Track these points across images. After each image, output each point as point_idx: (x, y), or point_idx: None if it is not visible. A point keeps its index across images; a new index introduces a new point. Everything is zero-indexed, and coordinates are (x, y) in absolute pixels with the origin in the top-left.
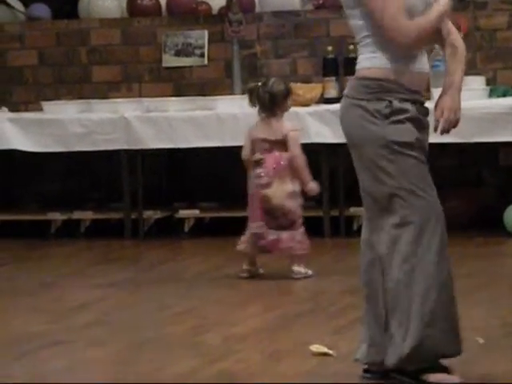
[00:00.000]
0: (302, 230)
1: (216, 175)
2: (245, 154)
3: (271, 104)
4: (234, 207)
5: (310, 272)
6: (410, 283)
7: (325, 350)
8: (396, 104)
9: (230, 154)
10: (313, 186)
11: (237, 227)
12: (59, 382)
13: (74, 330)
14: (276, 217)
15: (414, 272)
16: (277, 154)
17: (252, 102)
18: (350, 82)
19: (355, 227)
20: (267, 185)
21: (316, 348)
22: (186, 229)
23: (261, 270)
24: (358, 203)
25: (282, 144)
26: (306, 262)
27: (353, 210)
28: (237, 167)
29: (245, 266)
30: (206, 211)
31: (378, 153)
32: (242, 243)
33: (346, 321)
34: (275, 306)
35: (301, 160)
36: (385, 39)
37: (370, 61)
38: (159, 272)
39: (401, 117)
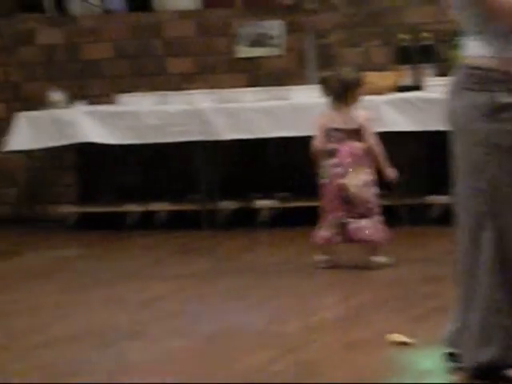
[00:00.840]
0: (379, 218)
1: (291, 165)
2: (317, 143)
3: (343, 93)
4: (309, 197)
5: (389, 260)
6: None
7: (404, 338)
8: (503, 98)
9: (305, 144)
10: (391, 172)
11: (313, 217)
12: (138, 373)
13: (153, 321)
14: (355, 205)
15: None
16: (352, 143)
17: (325, 91)
18: (458, 69)
19: (434, 215)
20: (344, 174)
21: (395, 337)
22: (262, 219)
23: (339, 259)
24: (436, 191)
25: (355, 133)
26: (383, 252)
27: (431, 198)
28: (311, 157)
29: (323, 256)
30: (281, 201)
31: (478, 150)
32: (321, 235)
33: (424, 310)
34: (353, 295)
35: (378, 148)
36: (493, 21)
37: (479, 49)
38: (236, 262)
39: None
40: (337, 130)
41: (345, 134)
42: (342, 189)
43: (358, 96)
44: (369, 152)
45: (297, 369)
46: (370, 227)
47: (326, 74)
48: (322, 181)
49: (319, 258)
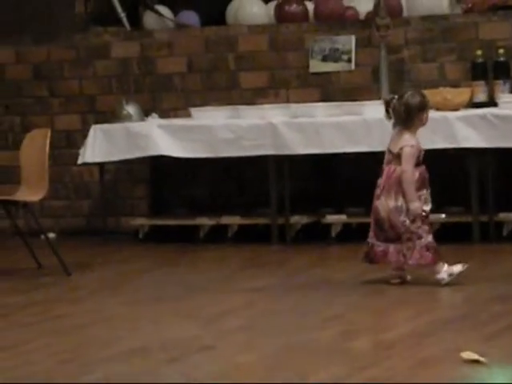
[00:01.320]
0: (409, 244)
1: (363, 180)
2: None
3: (406, 116)
4: None
5: (456, 269)
6: None
7: (476, 356)
8: None
9: (378, 159)
10: (415, 206)
11: None
12: None
13: (223, 336)
14: (384, 229)
15: None
16: (392, 166)
17: (388, 114)
18: None
19: (505, 233)
20: (378, 196)
21: (467, 355)
22: (333, 234)
23: (409, 277)
24: (508, 208)
25: (398, 157)
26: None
27: (502, 215)
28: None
29: (394, 272)
30: (353, 216)
31: None
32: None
33: (496, 328)
34: (423, 312)
35: (408, 176)
36: None
37: None
38: (306, 277)
39: None
40: (389, 151)
41: (391, 157)
42: (375, 211)
43: (422, 120)
44: (400, 178)
45: None
46: (394, 252)
47: (390, 96)
48: None
49: (392, 273)
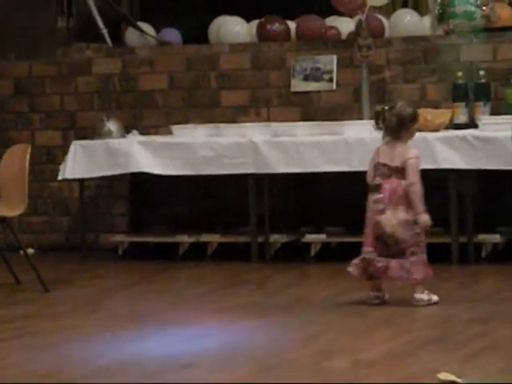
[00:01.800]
0: (413, 258)
1: (343, 200)
2: (367, 178)
3: (398, 128)
4: (360, 232)
5: (434, 298)
6: None
7: (453, 377)
8: None
9: (358, 179)
10: (425, 218)
11: None
12: None
13: (200, 354)
14: (388, 244)
15: None
16: (395, 180)
17: (377, 126)
18: None
19: (484, 254)
20: (382, 211)
21: (444, 376)
22: (313, 253)
23: (386, 296)
24: (487, 230)
25: (401, 171)
26: (427, 288)
27: (481, 236)
28: (364, 192)
29: (372, 293)
30: (332, 236)
31: None
32: (353, 265)
33: (474, 349)
34: (402, 332)
35: (417, 188)
36: None
37: None
38: (285, 296)
39: None
40: (384, 165)
41: (390, 171)
42: (377, 226)
43: (413, 132)
44: (408, 190)
45: None
46: (397, 268)
47: (380, 107)
48: (367, 215)
49: (371, 294)
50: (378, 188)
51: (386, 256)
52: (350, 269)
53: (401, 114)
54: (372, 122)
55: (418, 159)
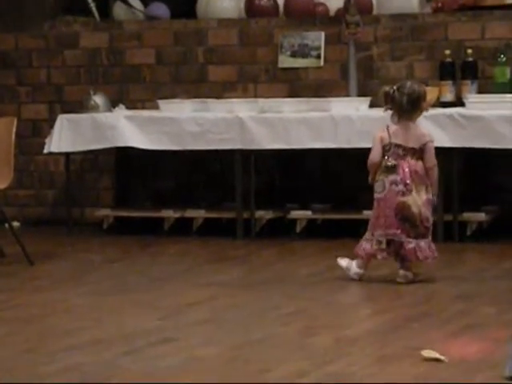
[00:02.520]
0: (430, 237)
1: (329, 177)
2: (375, 158)
3: (409, 107)
4: (346, 209)
5: (414, 276)
6: None
7: (436, 355)
8: None
9: (344, 156)
10: (436, 201)
11: (349, 229)
12: (167, 379)
13: (184, 328)
14: (416, 225)
15: None
16: (412, 161)
17: (387, 106)
18: None
19: (468, 232)
20: (405, 192)
21: (427, 353)
22: (298, 230)
23: (369, 274)
24: (472, 208)
25: (416, 152)
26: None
27: (467, 215)
28: (350, 169)
29: (358, 270)
30: (318, 213)
31: None
32: (364, 248)
33: (457, 327)
34: (386, 309)
35: (437, 170)
36: None
37: None
38: (270, 272)
39: None
40: (398, 146)
41: (405, 151)
42: (403, 207)
43: (423, 109)
44: (429, 173)
45: (328, 381)
46: (426, 247)
47: (388, 87)
48: (377, 195)
49: (355, 270)
50: (393, 169)
51: (414, 237)
52: (365, 253)
53: (411, 94)
54: (361, 100)
55: (433, 142)
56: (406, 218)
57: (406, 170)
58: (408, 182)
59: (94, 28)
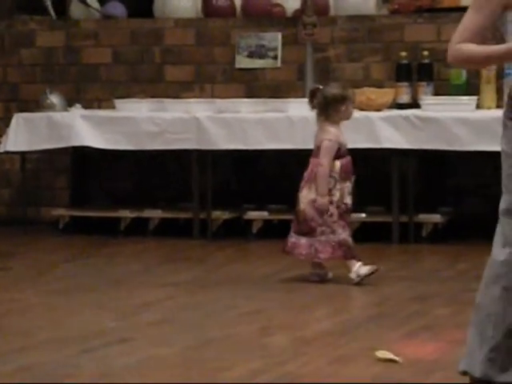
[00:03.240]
0: (323, 238)
1: (286, 178)
2: None
3: (325, 108)
4: None
5: (364, 270)
6: None
7: (391, 356)
8: None
9: (301, 157)
10: (322, 202)
11: None
12: (124, 379)
13: (140, 328)
14: (299, 221)
15: None
16: (314, 160)
17: (311, 104)
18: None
19: (424, 234)
20: (301, 188)
21: (382, 354)
22: (255, 230)
23: (330, 275)
24: (428, 210)
25: (318, 150)
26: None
27: (422, 216)
28: (306, 170)
29: (313, 270)
30: (274, 213)
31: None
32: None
33: (413, 327)
34: (341, 310)
35: (322, 170)
36: None
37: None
38: (226, 273)
39: None
40: (314, 144)
41: (315, 150)
42: (296, 203)
43: (342, 113)
44: (316, 171)
45: (283, 382)
46: (305, 246)
47: (315, 86)
48: None
49: (311, 271)
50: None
51: (296, 233)
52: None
53: (326, 95)
54: (307, 100)
55: (332, 142)
56: (295, 213)
57: (309, 167)
58: (305, 178)
59: (50, 27)
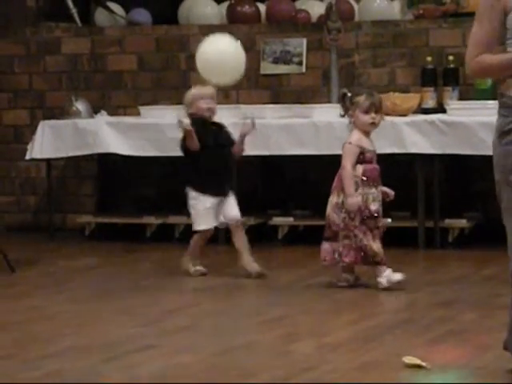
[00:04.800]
0: (346, 241)
1: (311, 183)
2: None
3: (351, 114)
4: None
5: (396, 277)
6: None
7: (418, 361)
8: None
9: (326, 163)
10: (352, 201)
11: None
12: None
13: (166, 335)
14: (325, 226)
15: None
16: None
17: (341, 109)
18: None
19: (450, 239)
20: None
21: (409, 360)
22: (280, 236)
23: (361, 280)
24: (454, 215)
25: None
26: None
27: (448, 221)
28: (331, 176)
29: (342, 275)
30: (299, 219)
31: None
32: None
33: (438, 333)
34: (367, 316)
35: (346, 172)
36: None
37: None
38: (252, 279)
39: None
40: None
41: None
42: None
43: (363, 119)
44: (340, 174)
45: None
46: (327, 251)
47: (342, 92)
48: None
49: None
50: None
51: (324, 239)
52: None
53: (352, 101)
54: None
55: (352, 145)
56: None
57: (338, 172)
58: (334, 184)
59: (75, 34)
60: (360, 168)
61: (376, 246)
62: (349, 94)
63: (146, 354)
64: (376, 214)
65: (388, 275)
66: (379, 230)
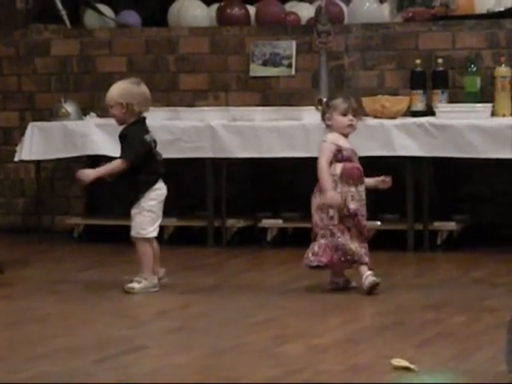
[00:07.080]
0: (323, 241)
1: (300, 186)
2: None
3: (325, 116)
4: None
5: (353, 284)
6: None
7: (406, 364)
8: None
9: (315, 165)
10: (330, 196)
11: None
12: None
13: (156, 337)
14: (312, 228)
15: None
16: None
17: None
18: None
19: (439, 241)
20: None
21: (397, 362)
22: (269, 238)
23: (353, 283)
24: (443, 217)
25: None
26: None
27: (437, 224)
28: None
29: (331, 278)
30: (289, 221)
31: None
32: None
33: (428, 335)
34: (356, 318)
35: (321, 168)
36: None
37: None
38: (241, 281)
39: None
40: None
41: None
42: None
43: (338, 122)
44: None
45: None
46: (309, 251)
47: (318, 98)
48: None
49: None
50: None
51: (313, 240)
52: None
53: (327, 104)
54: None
55: (327, 143)
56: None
57: None
58: (316, 186)
59: (64, 36)
60: (339, 166)
61: (353, 245)
62: (324, 99)
63: (137, 356)
64: (356, 213)
65: (365, 278)
66: (363, 231)
